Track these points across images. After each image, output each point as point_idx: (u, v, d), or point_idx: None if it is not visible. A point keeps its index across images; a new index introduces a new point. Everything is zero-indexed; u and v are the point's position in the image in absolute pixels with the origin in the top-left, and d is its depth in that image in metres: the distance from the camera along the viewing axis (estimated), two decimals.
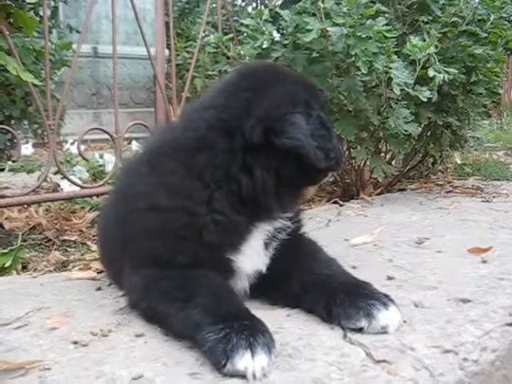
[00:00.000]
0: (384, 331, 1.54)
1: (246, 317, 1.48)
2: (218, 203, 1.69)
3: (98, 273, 2.24)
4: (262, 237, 1.80)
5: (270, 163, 1.70)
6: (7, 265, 2.43)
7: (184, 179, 1.71)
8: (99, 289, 2.06)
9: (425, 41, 3.30)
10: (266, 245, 1.82)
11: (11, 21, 2.89)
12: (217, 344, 1.35)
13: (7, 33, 2.78)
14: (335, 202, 3.59)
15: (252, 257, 1.75)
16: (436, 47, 3.35)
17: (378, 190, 3.99)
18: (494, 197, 3.82)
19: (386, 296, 1.62)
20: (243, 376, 1.30)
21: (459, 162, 5.02)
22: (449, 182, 4.44)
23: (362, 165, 3.88)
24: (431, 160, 4.53)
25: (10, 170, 5.39)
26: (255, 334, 1.37)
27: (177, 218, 1.68)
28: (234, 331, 1.37)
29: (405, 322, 1.61)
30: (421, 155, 4.36)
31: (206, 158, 1.70)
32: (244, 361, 1.31)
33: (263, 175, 1.70)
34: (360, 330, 1.54)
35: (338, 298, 1.59)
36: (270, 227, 1.80)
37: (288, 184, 1.77)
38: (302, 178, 1.80)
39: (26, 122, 5.95)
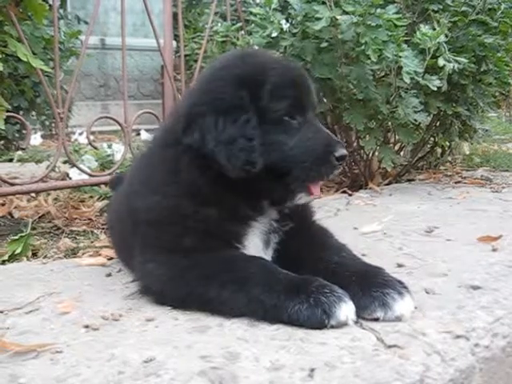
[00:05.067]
0: (398, 320, 1.53)
1: (307, 279, 1.55)
2: (183, 197, 1.72)
3: (108, 259, 2.25)
4: (260, 234, 1.79)
5: (204, 164, 1.69)
6: (18, 251, 2.43)
7: (161, 175, 1.77)
8: (109, 275, 2.07)
9: (435, 30, 3.28)
10: (267, 240, 1.81)
11: (20, 9, 2.89)
12: (312, 310, 1.47)
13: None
14: (344, 192, 3.58)
15: (252, 252, 1.75)
16: (446, 36, 3.32)
17: (387, 181, 3.98)
18: (503, 187, 3.80)
19: (401, 283, 1.60)
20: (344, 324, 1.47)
21: (467, 152, 4.99)
22: (457, 173, 4.42)
23: (370, 155, 3.87)
24: (440, 150, 4.52)
25: (19, 161, 5.41)
26: (332, 289, 1.50)
27: (159, 211, 1.74)
28: (317, 295, 1.48)
29: (416, 308, 1.60)
30: (429, 146, 4.34)
31: (171, 153, 1.76)
32: (343, 311, 1.47)
33: (207, 175, 1.70)
34: (375, 320, 1.53)
35: (352, 288, 1.56)
36: (264, 227, 1.79)
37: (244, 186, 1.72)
38: (250, 185, 1.71)
39: (34, 113, 5.96)
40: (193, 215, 1.68)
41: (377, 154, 3.73)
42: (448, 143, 4.39)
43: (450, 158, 4.90)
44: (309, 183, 1.74)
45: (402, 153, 4.14)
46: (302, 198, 1.77)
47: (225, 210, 1.71)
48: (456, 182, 4.02)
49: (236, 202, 1.72)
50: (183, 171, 1.72)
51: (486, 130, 4.73)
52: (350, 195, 3.52)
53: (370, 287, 1.56)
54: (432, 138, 4.23)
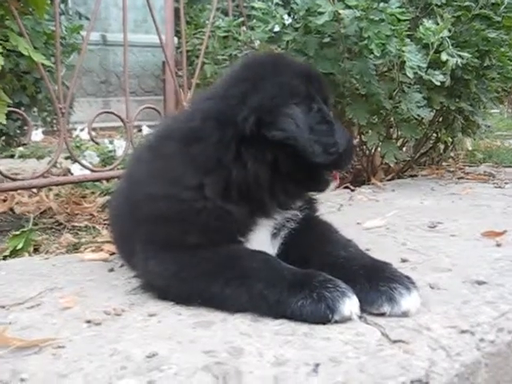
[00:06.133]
0: (405, 315, 1.52)
1: (311, 274, 1.55)
2: (209, 191, 1.68)
3: (110, 254, 2.24)
4: (266, 229, 1.79)
5: (264, 157, 1.68)
6: (19, 247, 2.43)
7: (176, 167, 1.73)
8: (111, 270, 2.06)
9: (438, 24, 3.26)
10: (274, 235, 1.81)
11: (21, 4, 2.88)
12: (316, 305, 1.46)
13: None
14: (346, 187, 3.56)
15: (259, 247, 1.73)
16: (449, 31, 3.30)
17: (389, 176, 3.97)
18: (506, 183, 3.79)
19: (408, 278, 1.58)
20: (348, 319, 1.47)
21: (470, 148, 4.98)
22: (460, 169, 4.41)
23: (373, 150, 3.85)
24: (442, 146, 4.50)
25: (20, 157, 5.41)
26: (335, 284, 1.49)
27: (169, 205, 1.69)
28: (321, 289, 1.47)
29: (421, 303, 1.59)
30: (432, 141, 4.33)
31: (200, 147, 1.71)
32: (347, 306, 1.46)
33: (255, 168, 1.68)
34: (382, 315, 1.52)
35: (359, 283, 1.55)
36: (271, 222, 1.79)
37: (285, 181, 1.74)
38: (300, 176, 1.76)
39: (35, 109, 5.94)
40: (210, 210, 1.66)
41: (379, 149, 3.72)
42: (451, 139, 4.37)
43: (452, 154, 4.89)
44: (338, 171, 1.89)
45: (404, 148, 4.13)
46: (331, 186, 1.87)
47: (251, 206, 1.71)
48: (459, 178, 4.01)
49: (268, 198, 1.73)
50: (220, 166, 1.68)
51: (488, 126, 4.71)
52: (353, 190, 3.51)
53: (378, 282, 1.55)
54: (435, 134, 4.22)
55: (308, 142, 1.65)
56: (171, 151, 1.77)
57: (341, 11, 3.10)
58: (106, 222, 2.93)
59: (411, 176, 4.14)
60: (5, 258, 2.39)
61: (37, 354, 1.37)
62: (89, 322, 1.55)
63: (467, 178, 4.00)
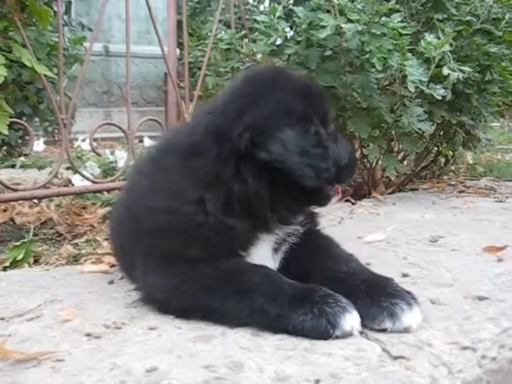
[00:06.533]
0: (406, 331, 1.51)
1: (312, 289, 1.55)
2: (210, 205, 1.68)
3: (110, 266, 2.23)
4: (267, 244, 1.79)
5: (262, 174, 1.67)
6: (19, 258, 2.42)
7: (177, 181, 1.73)
8: (111, 282, 2.05)
9: (439, 39, 3.27)
10: (275, 249, 1.81)
11: (25, 15, 2.89)
12: (317, 321, 1.46)
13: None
14: (347, 201, 3.56)
15: (260, 261, 1.72)
16: (451, 45, 3.31)
17: (390, 190, 3.97)
18: (507, 197, 3.78)
19: (410, 293, 1.58)
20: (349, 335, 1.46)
21: (471, 161, 4.98)
22: (461, 182, 4.41)
23: (374, 163, 3.85)
24: (443, 160, 4.51)
25: (21, 167, 5.42)
26: (336, 299, 1.49)
27: (170, 219, 1.69)
28: (322, 305, 1.47)
29: (422, 318, 1.58)
30: (433, 155, 4.33)
31: (200, 162, 1.71)
32: (348, 322, 1.46)
33: (255, 184, 1.68)
34: (383, 331, 1.51)
35: (360, 298, 1.55)
36: (272, 237, 1.79)
37: (285, 197, 1.74)
38: (300, 193, 1.74)
39: (37, 120, 5.96)
40: (212, 225, 1.66)
41: (380, 162, 3.72)
42: (451, 152, 4.38)
43: (453, 168, 4.89)
44: (340, 185, 1.89)
45: (405, 162, 4.13)
46: (333, 200, 1.87)
47: (253, 221, 1.71)
48: (460, 192, 4.00)
49: (269, 214, 1.72)
50: (219, 181, 1.68)
51: (489, 140, 4.71)
52: (354, 204, 3.50)
53: (379, 297, 1.54)
54: (435, 148, 4.22)
55: (297, 165, 1.64)
56: (172, 165, 1.77)
57: (343, 25, 3.11)
58: (106, 233, 2.92)
59: (412, 189, 4.13)
60: (5, 268, 2.38)
61: (36, 368, 1.36)
62: (88, 335, 1.55)
63: (468, 192, 3.99)
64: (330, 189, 1.85)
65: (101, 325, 1.61)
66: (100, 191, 3.54)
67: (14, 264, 2.43)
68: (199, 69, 4.46)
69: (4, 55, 2.57)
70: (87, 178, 3.39)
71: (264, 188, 1.69)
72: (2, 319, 1.69)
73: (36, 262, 2.53)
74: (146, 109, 10.87)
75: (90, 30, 9.19)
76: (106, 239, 2.79)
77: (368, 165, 3.89)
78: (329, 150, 1.72)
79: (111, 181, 3.39)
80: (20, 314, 1.72)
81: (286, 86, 1.76)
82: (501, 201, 3.66)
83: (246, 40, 4.34)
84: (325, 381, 1.25)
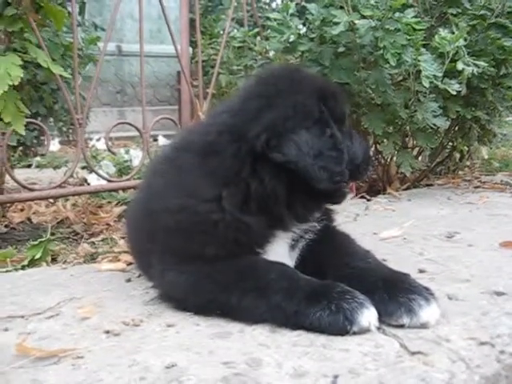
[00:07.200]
0: (424, 327, 1.51)
1: (329, 285, 1.55)
2: (226, 203, 1.68)
3: (127, 265, 2.25)
4: (284, 242, 1.79)
5: (279, 174, 1.68)
6: (37, 256, 2.44)
7: (193, 179, 1.74)
8: (129, 280, 2.07)
9: (453, 33, 3.25)
10: (292, 246, 1.81)
11: (40, 16, 2.91)
12: (334, 317, 1.46)
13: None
14: (362, 197, 3.55)
15: (277, 259, 1.72)
16: (465, 40, 3.29)
17: (405, 186, 3.95)
18: None
19: (427, 289, 1.58)
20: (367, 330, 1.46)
21: (486, 157, 4.94)
22: (476, 178, 4.37)
23: (388, 159, 3.84)
24: (458, 155, 4.48)
25: (37, 167, 5.45)
26: (353, 295, 1.49)
27: (187, 217, 1.70)
28: (339, 301, 1.47)
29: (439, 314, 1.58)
30: (448, 150, 4.31)
31: (216, 161, 1.71)
32: (366, 318, 1.46)
33: (273, 184, 1.68)
34: (401, 326, 1.51)
35: (378, 294, 1.55)
36: (289, 234, 1.79)
37: (300, 196, 1.74)
38: (312, 193, 1.74)
39: (51, 120, 6.00)
40: (229, 223, 1.66)
41: (395, 158, 3.71)
42: (467, 148, 4.35)
43: (468, 163, 4.85)
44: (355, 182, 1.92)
45: (420, 158, 4.11)
46: (347, 197, 1.87)
47: (269, 219, 1.71)
48: (475, 187, 3.97)
49: (285, 212, 1.73)
50: (237, 179, 1.69)
51: (505, 135, 4.68)
52: (369, 200, 3.49)
53: (397, 293, 1.54)
54: (450, 143, 4.20)
55: (311, 167, 1.64)
56: (188, 163, 1.78)
57: (356, 21, 3.11)
58: (122, 231, 2.94)
59: (427, 185, 4.11)
60: (23, 267, 2.41)
61: (56, 365, 1.38)
62: (107, 332, 1.56)
63: (484, 187, 3.96)
64: (345, 186, 1.84)
65: (119, 322, 1.63)
66: (116, 190, 3.57)
67: (32, 263, 2.45)
68: (212, 67, 4.48)
69: (20, 56, 2.59)
70: (103, 177, 3.42)
71: (280, 188, 1.69)
72: (22, 317, 1.71)
73: (54, 260, 2.56)
74: (159, 108, 10.90)
75: (103, 29, 9.23)
76: (123, 238, 2.81)
77: (383, 161, 3.88)
78: (344, 153, 1.72)
79: (127, 179, 3.41)
80: (39, 312, 1.74)
81: (303, 87, 1.76)
82: None
83: (259, 38, 4.35)
84: (343, 376, 1.26)
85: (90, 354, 1.42)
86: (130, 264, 2.25)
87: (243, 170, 1.69)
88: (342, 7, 3.19)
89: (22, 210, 3.51)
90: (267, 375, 1.27)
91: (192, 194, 1.71)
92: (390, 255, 2.18)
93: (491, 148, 4.76)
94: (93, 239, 2.96)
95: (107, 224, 3.23)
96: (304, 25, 3.59)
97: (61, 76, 2.99)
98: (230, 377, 1.26)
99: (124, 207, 3.34)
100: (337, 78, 3.26)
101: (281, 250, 1.77)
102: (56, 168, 4.75)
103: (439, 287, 1.81)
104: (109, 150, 3.50)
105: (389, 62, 3.07)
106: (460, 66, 3.19)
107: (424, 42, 3.17)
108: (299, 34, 3.45)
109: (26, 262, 2.45)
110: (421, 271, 2.02)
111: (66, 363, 1.38)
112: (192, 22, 4.62)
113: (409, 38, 3.06)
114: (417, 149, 3.97)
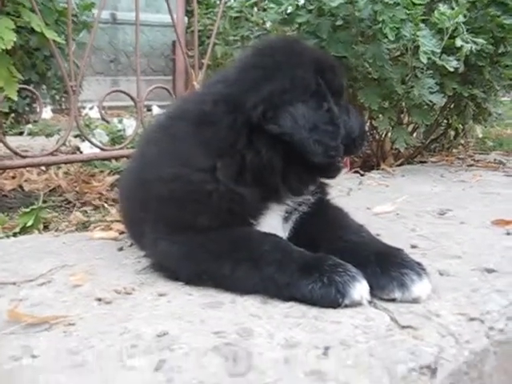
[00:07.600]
0: (415, 302, 1.51)
1: (321, 258, 1.55)
2: (221, 173, 1.68)
3: (119, 234, 2.24)
4: (277, 214, 1.79)
5: (275, 145, 1.67)
6: (29, 224, 2.43)
7: (188, 149, 1.72)
8: (121, 249, 2.06)
9: (453, 9, 3.22)
10: (285, 219, 1.81)
11: None
12: (326, 289, 1.46)
13: None
14: (356, 172, 3.55)
15: (270, 231, 1.72)
16: (464, 16, 3.26)
17: (399, 162, 3.95)
18: None
19: (419, 264, 1.58)
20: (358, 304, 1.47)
21: (480, 135, 4.95)
22: (470, 156, 4.39)
23: (383, 135, 3.83)
24: (453, 133, 4.48)
25: (29, 134, 5.41)
26: (346, 268, 1.49)
27: (180, 186, 1.69)
28: (331, 274, 1.48)
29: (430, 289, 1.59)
30: (443, 128, 4.30)
31: (212, 131, 1.70)
32: (357, 291, 1.46)
33: (269, 156, 1.68)
34: (392, 300, 1.52)
35: (370, 268, 1.55)
36: (283, 207, 1.79)
37: (295, 169, 1.73)
38: (308, 166, 1.73)
39: (44, 87, 5.94)
40: (223, 193, 1.66)
41: (390, 134, 3.70)
42: (461, 126, 4.35)
43: (462, 141, 4.86)
44: (349, 156, 1.87)
45: (414, 134, 4.11)
46: (342, 172, 1.88)
47: (263, 190, 1.71)
48: (469, 165, 3.98)
49: (280, 184, 1.73)
50: (232, 150, 1.68)
51: (500, 114, 4.67)
52: (362, 175, 3.50)
53: (389, 267, 1.54)
54: (445, 120, 4.19)
55: (306, 140, 1.64)
56: (183, 132, 1.76)
57: None
58: (115, 201, 2.93)
59: (421, 162, 4.12)
60: (15, 234, 2.40)
61: (48, 331, 1.38)
62: (99, 300, 1.56)
63: (477, 166, 3.98)
64: (340, 161, 1.84)
65: (111, 290, 1.63)
66: (109, 159, 3.54)
67: (24, 230, 2.44)
68: (208, 37, 4.43)
69: (13, 20, 2.54)
70: (96, 145, 3.39)
71: (276, 159, 1.69)
72: (14, 284, 1.70)
73: (46, 228, 2.54)
74: (153, 78, 10.78)
75: None
76: (115, 206, 2.80)
77: (377, 136, 3.88)
78: (340, 128, 1.72)
79: (120, 148, 3.39)
80: (31, 279, 1.74)
81: (301, 60, 1.75)
82: (510, 175, 3.64)
83: (256, 8, 4.29)
84: (334, 348, 1.26)
85: (82, 321, 1.42)
86: (122, 233, 2.24)
87: (239, 141, 1.68)
88: None
89: (13, 178, 3.49)
90: (258, 345, 1.27)
91: (186, 163, 1.70)
92: (382, 230, 2.19)
93: (486, 127, 4.76)
94: (85, 208, 2.94)
95: (99, 193, 3.21)
96: None
97: (54, 42, 2.94)
98: (221, 346, 1.27)
99: (117, 176, 3.32)
100: (334, 51, 3.23)
101: (274, 222, 1.77)
102: (48, 136, 4.71)
103: (431, 263, 1.82)
104: (102, 119, 3.47)
105: (387, 37, 3.04)
106: (459, 42, 3.18)
107: (423, 17, 3.15)
108: (297, 6, 3.42)
109: (17, 230, 2.44)
110: (413, 247, 2.03)
111: (58, 330, 1.38)
112: None
113: (408, 12, 3.03)
114: (412, 125, 3.96)
